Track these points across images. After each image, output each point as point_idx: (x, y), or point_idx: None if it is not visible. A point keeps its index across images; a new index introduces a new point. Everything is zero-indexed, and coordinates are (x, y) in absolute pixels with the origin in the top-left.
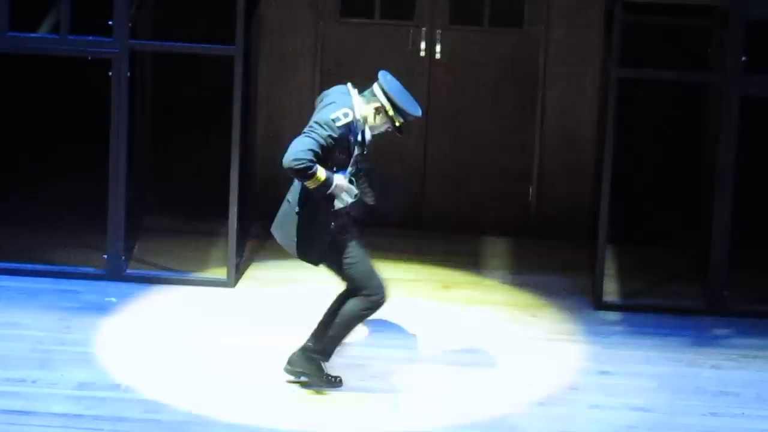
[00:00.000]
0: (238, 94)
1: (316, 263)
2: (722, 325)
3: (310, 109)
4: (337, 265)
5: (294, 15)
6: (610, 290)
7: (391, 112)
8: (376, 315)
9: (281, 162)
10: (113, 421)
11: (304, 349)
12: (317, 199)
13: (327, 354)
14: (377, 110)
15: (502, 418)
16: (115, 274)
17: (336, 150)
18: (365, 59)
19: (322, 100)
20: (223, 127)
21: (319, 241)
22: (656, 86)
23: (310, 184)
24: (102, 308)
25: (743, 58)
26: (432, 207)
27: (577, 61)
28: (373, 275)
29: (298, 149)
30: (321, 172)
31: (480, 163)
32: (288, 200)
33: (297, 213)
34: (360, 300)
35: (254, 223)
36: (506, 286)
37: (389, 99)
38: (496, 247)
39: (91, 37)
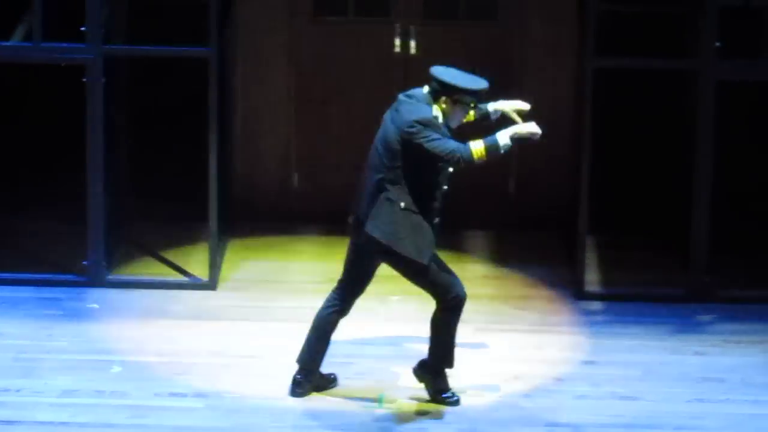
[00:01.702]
0: (214, 95)
1: (427, 263)
2: (705, 311)
3: (286, 109)
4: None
5: (268, 16)
6: (592, 280)
7: (465, 99)
8: (360, 313)
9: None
10: (100, 428)
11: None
12: (422, 198)
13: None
14: (453, 102)
15: (488, 410)
16: (96, 280)
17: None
18: (341, 58)
19: (400, 106)
20: (200, 130)
21: (431, 240)
22: (634, 75)
23: (485, 159)
24: (84, 315)
25: (717, 44)
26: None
27: (553, 52)
28: (453, 276)
29: (445, 151)
30: (479, 146)
31: None
32: (389, 199)
33: (402, 210)
34: (451, 310)
35: (235, 224)
36: (488, 279)
37: (457, 87)
38: (478, 240)
39: (64, 44)
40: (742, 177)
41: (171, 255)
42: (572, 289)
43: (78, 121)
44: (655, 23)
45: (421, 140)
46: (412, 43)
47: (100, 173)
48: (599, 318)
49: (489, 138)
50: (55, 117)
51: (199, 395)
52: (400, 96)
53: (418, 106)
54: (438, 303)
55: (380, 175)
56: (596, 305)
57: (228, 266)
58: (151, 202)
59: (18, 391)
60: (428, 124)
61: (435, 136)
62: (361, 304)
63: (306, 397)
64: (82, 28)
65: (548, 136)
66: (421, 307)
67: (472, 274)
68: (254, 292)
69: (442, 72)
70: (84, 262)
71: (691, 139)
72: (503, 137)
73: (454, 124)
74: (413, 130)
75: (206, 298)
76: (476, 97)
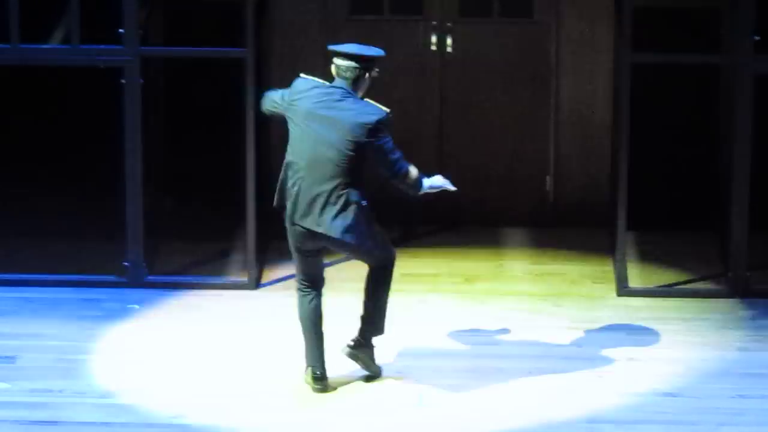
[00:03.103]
0: (251, 96)
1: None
2: (746, 306)
3: None
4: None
5: (304, 15)
6: (633, 276)
7: (376, 69)
8: (402, 310)
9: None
10: (141, 428)
11: (361, 336)
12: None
13: (382, 330)
14: (371, 77)
15: (529, 407)
16: (136, 280)
17: None
18: None
19: (336, 100)
20: (238, 130)
21: (375, 228)
22: (671, 70)
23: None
24: (125, 315)
25: (755, 38)
26: (450, 200)
27: (589, 48)
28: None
29: (399, 162)
30: (414, 173)
31: (496, 155)
32: (351, 200)
33: (363, 206)
34: (388, 271)
35: (274, 224)
36: (528, 277)
37: (376, 58)
38: (516, 238)
39: (102, 46)
40: None
41: (210, 255)
42: (613, 286)
43: (114, 122)
44: (690, 17)
45: (383, 143)
46: (449, 41)
47: (138, 174)
48: (640, 314)
49: (419, 174)
50: (93, 118)
51: (239, 395)
52: (328, 91)
53: (368, 104)
54: (374, 263)
55: (335, 180)
56: (637, 301)
57: (268, 266)
58: (190, 202)
59: (60, 391)
60: (388, 124)
61: (391, 142)
62: (399, 303)
63: (348, 393)
64: (120, 31)
65: (584, 132)
66: (462, 304)
67: (512, 271)
68: (293, 292)
69: (355, 48)
70: (124, 263)
71: (728, 134)
72: (426, 182)
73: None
74: (377, 131)
75: (246, 298)
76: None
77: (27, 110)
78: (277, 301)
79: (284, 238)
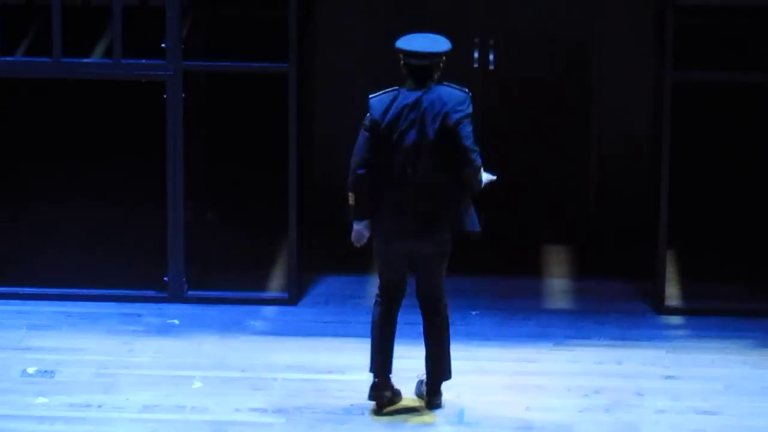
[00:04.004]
0: (293, 110)
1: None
2: None
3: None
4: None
5: (346, 29)
6: (672, 294)
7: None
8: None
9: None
10: None
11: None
12: None
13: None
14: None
15: (569, 425)
16: (176, 295)
17: None
18: None
19: (441, 102)
20: (280, 143)
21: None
22: (710, 87)
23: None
24: (165, 330)
25: None
26: (490, 217)
27: (631, 66)
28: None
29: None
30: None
31: (537, 172)
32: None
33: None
34: (445, 314)
35: (316, 239)
36: (568, 293)
37: (437, 54)
38: (557, 255)
39: (144, 60)
40: None
41: (251, 269)
42: (653, 303)
43: (157, 136)
44: (728, 34)
45: (464, 125)
46: (490, 58)
47: (180, 188)
48: (680, 332)
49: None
50: (136, 132)
51: (280, 411)
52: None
53: (452, 90)
54: (439, 302)
55: (444, 173)
56: (677, 319)
57: (308, 281)
58: (231, 216)
59: (99, 406)
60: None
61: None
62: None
63: (387, 413)
64: (163, 45)
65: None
66: (502, 322)
67: (551, 288)
68: (334, 307)
69: (426, 44)
70: (164, 278)
71: None
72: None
73: None
74: (458, 115)
75: (287, 313)
76: (404, 60)
77: (72, 123)
78: (316, 317)
79: (325, 251)
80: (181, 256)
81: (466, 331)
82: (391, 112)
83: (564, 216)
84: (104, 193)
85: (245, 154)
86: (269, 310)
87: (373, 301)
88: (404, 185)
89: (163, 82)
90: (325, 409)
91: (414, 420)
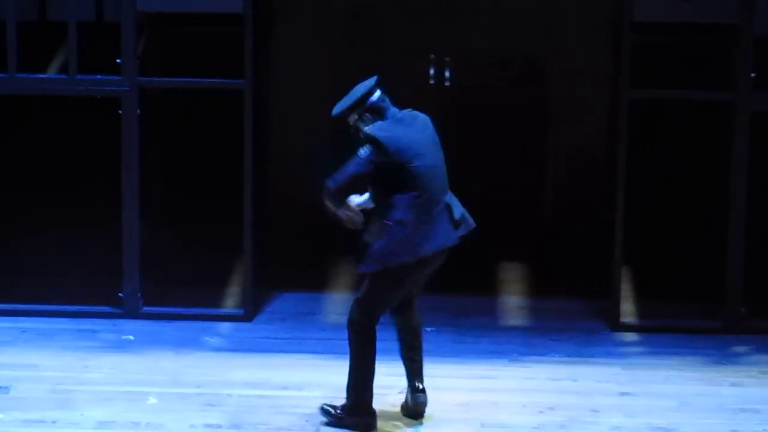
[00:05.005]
0: (249, 127)
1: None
2: (741, 342)
3: (321, 140)
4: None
5: (303, 46)
6: (627, 311)
7: (368, 104)
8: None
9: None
10: None
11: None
12: None
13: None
14: (366, 114)
15: None
16: (132, 312)
17: None
18: None
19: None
20: (236, 160)
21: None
22: (665, 106)
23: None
24: (120, 346)
25: (753, 75)
26: None
27: (586, 83)
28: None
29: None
30: None
31: (492, 189)
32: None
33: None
34: (351, 330)
35: (271, 256)
36: (523, 311)
37: (351, 105)
38: (511, 272)
39: (99, 76)
40: None
41: (207, 286)
42: (608, 320)
43: (111, 152)
44: (689, 54)
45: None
46: (446, 75)
47: (135, 205)
48: (635, 349)
49: None
50: (90, 148)
51: (235, 427)
52: (403, 112)
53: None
54: (351, 318)
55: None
56: (632, 336)
57: (264, 297)
58: (187, 233)
59: (54, 422)
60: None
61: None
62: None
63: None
64: (118, 60)
65: (581, 166)
66: (457, 339)
67: (507, 306)
68: (290, 324)
69: (340, 104)
70: (120, 294)
71: (725, 170)
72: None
73: None
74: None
75: (242, 330)
76: None
77: (27, 139)
78: (271, 334)
79: (280, 268)
80: (136, 272)
81: (427, 347)
82: None
83: (520, 233)
84: (59, 208)
85: (201, 170)
86: (225, 327)
87: (357, 330)
88: None
89: (119, 98)
90: (280, 425)
91: None
